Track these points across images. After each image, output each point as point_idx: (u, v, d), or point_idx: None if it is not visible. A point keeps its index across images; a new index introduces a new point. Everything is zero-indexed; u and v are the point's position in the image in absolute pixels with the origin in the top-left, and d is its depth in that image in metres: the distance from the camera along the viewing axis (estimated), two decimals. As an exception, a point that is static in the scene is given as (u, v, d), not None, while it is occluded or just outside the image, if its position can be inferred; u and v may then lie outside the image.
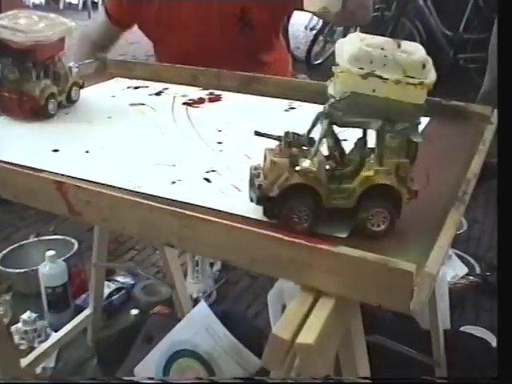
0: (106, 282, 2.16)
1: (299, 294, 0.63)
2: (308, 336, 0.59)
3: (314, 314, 0.61)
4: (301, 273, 0.62)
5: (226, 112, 1.18)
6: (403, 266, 0.57)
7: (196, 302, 1.87)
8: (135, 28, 1.89)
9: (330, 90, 0.70)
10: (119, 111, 1.18)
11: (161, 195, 0.79)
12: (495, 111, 1.06)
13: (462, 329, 1.75)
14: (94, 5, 8.60)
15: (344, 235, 0.68)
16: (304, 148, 0.70)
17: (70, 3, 8.40)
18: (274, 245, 0.62)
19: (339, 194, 0.68)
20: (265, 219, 0.72)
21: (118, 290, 2.13)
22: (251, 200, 0.72)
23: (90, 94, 1.28)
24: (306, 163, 0.66)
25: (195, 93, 1.29)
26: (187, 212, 0.67)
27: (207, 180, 0.85)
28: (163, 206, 0.69)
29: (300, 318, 0.61)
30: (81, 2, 8.44)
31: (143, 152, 0.97)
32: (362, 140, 0.72)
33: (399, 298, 0.58)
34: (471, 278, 2.06)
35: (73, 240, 2.27)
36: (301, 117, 1.15)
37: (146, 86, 1.35)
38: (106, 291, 2.10)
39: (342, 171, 0.71)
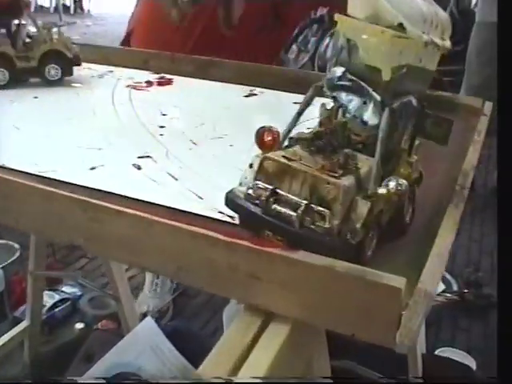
0: (50, 293, 1.97)
1: (241, 316, 0.45)
2: (250, 376, 0.41)
3: (260, 346, 0.44)
4: (244, 287, 0.45)
5: (175, 96, 1.01)
6: (387, 279, 0.40)
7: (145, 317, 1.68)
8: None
9: (364, 59, 0.48)
10: (48, 91, 1.00)
11: (71, 181, 0.60)
12: (487, 103, 0.91)
13: (438, 351, 1.60)
14: (66, 8, 8.41)
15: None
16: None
17: (41, 6, 8.18)
18: (207, 247, 0.45)
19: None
20: (204, 213, 0.54)
21: (62, 301, 1.93)
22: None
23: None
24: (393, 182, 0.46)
25: (144, 76, 1.12)
26: (94, 201, 0.49)
27: (137, 166, 0.67)
28: (65, 193, 0.51)
29: (241, 350, 0.43)
30: (52, 5, 8.24)
31: (65, 134, 0.79)
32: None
33: (381, 325, 0.40)
34: (448, 295, 1.92)
35: (16, 245, 2.06)
36: (262, 103, 0.98)
37: (89, 68, 1.16)
38: (49, 302, 1.90)
39: None
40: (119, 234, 0.49)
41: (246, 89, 1.05)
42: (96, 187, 0.60)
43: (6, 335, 1.61)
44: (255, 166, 0.49)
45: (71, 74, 1.05)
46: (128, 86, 1.05)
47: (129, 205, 0.51)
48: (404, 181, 0.46)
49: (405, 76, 0.47)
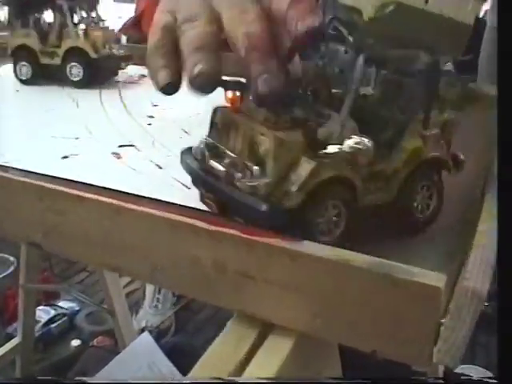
0: (46, 308, 1.87)
1: (231, 327, 0.35)
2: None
3: (256, 364, 0.34)
4: (234, 290, 0.35)
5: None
6: (422, 276, 0.30)
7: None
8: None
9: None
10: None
11: (35, 170, 0.51)
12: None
13: (458, 369, 1.48)
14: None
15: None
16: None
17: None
18: (186, 239, 0.35)
19: (374, 182, 0.40)
20: (188, 203, 0.45)
21: (58, 316, 1.84)
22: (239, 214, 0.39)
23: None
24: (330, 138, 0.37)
25: (138, 71, 1.03)
26: (50, 186, 0.40)
27: (116, 155, 0.58)
28: (15, 178, 0.42)
29: (232, 368, 0.34)
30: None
31: (41, 124, 0.70)
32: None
33: (412, 339, 0.30)
34: (466, 308, 1.80)
35: (11, 258, 1.97)
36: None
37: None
38: (45, 317, 1.81)
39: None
40: (81, 226, 0.39)
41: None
42: (63, 177, 0.50)
43: (-6, 353, 1.51)
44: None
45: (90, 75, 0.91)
46: (118, 80, 0.96)
47: (102, 193, 0.41)
48: (366, 140, 0.37)
49: (395, 17, 0.36)
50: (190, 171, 0.43)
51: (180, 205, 0.42)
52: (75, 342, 1.75)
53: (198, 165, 0.42)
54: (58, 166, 0.54)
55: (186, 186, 0.50)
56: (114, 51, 0.95)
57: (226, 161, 0.39)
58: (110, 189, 0.45)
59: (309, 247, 0.32)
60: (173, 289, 0.36)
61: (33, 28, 0.91)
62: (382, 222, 0.41)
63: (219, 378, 0.32)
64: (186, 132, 0.67)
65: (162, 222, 0.35)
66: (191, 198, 0.47)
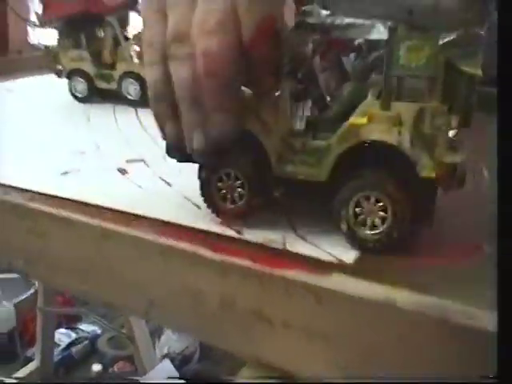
0: (67, 331, 1.83)
1: (243, 375, 0.29)
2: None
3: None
4: (246, 333, 0.28)
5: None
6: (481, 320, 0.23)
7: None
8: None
9: None
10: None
11: (28, 188, 0.45)
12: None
13: None
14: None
15: (349, 259, 0.33)
16: None
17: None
18: (187, 269, 0.28)
19: (304, 155, 0.36)
20: (198, 225, 0.38)
21: (79, 340, 1.78)
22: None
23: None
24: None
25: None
26: (32, 205, 0.33)
27: (122, 171, 0.52)
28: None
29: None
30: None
31: (46, 138, 0.64)
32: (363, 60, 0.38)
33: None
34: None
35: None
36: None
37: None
38: (66, 341, 1.76)
39: (322, 118, 0.38)
40: (66, 251, 0.33)
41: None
42: (59, 195, 0.44)
43: (12, 377, 1.46)
44: None
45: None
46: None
47: (91, 212, 0.35)
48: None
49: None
50: None
51: (185, 226, 0.35)
52: (96, 367, 1.69)
53: None
54: (54, 183, 0.48)
55: (197, 206, 0.43)
56: None
57: None
58: (104, 207, 0.39)
59: (338, 282, 0.26)
60: (173, 327, 0.29)
61: (85, 48, 0.85)
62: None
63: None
64: (202, 146, 0.60)
65: (156, 248, 0.29)
66: (202, 219, 0.41)
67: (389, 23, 0.34)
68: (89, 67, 0.84)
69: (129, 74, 0.82)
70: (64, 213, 0.33)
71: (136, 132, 0.67)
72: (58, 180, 0.49)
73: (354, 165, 0.35)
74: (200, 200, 0.43)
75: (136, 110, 0.78)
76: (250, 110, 0.35)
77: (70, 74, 0.85)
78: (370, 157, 0.34)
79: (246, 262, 0.27)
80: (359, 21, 0.35)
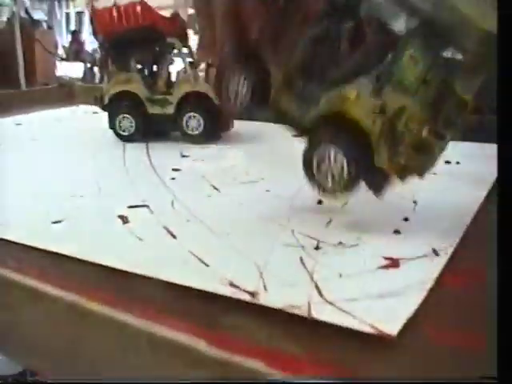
0: None
1: None
2: None
3: None
4: None
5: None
6: None
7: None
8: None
9: None
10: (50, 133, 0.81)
11: (17, 240, 0.39)
12: None
13: None
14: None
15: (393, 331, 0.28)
16: None
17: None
18: (180, 365, 0.21)
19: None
20: (205, 287, 0.32)
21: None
22: None
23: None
24: None
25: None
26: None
27: (123, 218, 0.45)
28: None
29: None
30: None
31: (45, 179, 0.59)
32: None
33: None
34: None
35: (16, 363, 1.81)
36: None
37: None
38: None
39: None
40: (39, 330, 0.26)
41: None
42: (46, 248, 0.38)
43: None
44: None
45: (216, 130, 0.76)
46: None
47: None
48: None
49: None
50: None
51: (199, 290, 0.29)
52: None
53: None
54: (42, 233, 0.42)
55: (205, 263, 0.37)
56: None
57: None
58: (95, 264, 0.32)
59: None
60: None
61: (135, 71, 0.76)
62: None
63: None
64: (215, 189, 0.54)
65: (141, 336, 0.22)
66: (209, 279, 0.34)
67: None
68: (139, 89, 0.74)
69: (191, 97, 0.73)
70: (33, 282, 0.26)
71: (143, 172, 0.61)
72: (47, 230, 0.43)
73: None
74: (209, 255, 0.37)
75: (147, 146, 0.72)
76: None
77: (113, 102, 0.75)
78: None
79: (257, 364, 0.20)
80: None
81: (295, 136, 0.46)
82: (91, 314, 0.24)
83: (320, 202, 0.49)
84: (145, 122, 0.75)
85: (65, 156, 0.70)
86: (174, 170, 0.61)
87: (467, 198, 0.51)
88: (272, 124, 0.52)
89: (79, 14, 8.57)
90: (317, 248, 0.39)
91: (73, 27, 8.11)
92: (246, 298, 0.32)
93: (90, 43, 5.14)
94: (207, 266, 0.36)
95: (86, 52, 5.21)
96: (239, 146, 0.74)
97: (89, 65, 4.51)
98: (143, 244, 0.40)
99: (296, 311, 0.30)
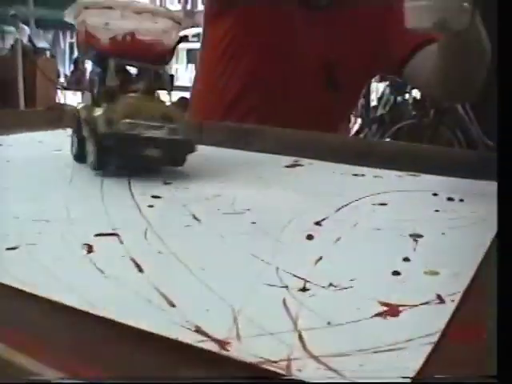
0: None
1: None
2: None
3: None
4: None
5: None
6: None
7: None
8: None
9: None
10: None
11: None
12: None
13: None
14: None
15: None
16: None
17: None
18: None
19: None
20: (167, 332, 0.26)
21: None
22: None
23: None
24: None
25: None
26: None
27: (87, 248, 0.40)
28: None
29: None
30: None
31: (9, 202, 0.53)
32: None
33: None
34: None
35: None
36: (306, 174, 0.72)
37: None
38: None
39: None
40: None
41: (290, 159, 0.78)
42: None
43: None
44: None
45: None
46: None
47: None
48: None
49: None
50: None
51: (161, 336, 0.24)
52: None
53: None
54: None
55: (171, 303, 0.31)
56: None
57: None
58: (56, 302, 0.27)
59: None
60: None
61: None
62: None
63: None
64: (196, 219, 0.49)
65: None
66: (173, 322, 0.29)
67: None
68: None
69: None
70: None
71: (119, 197, 0.56)
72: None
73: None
74: (176, 293, 0.32)
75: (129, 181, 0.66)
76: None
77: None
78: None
79: None
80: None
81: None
82: None
83: (310, 237, 0.44)
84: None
85: (38, 179, 0.64)
86: (153, 197, 0.56)
87: (474, 239, 0.46)
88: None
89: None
90: (303, 289, 0.34)
91: (75, 56, 8.16)
92: (214, 348, 0.26)
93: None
94: (173, 306, 0.31)
95: (86, 80, 5.21)
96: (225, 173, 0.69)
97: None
98: (103, 278, 0.35)
99: (272, 367, 0.25)
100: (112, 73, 0.64)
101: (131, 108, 0.61)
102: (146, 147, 0.61)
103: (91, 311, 0.30)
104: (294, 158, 0.78)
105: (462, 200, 0.58)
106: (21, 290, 0.32)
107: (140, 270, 0.36)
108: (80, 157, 0.68)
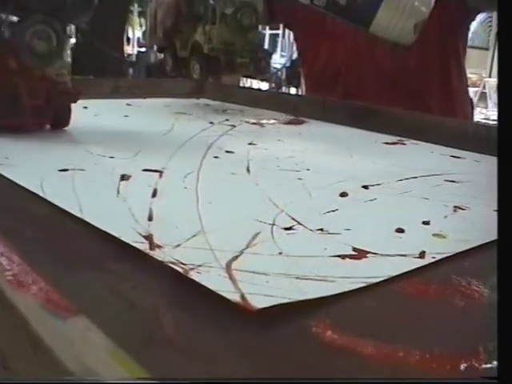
0: None
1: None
2: None
3: None
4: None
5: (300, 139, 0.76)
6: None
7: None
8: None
9: None
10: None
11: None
12: None
13: None
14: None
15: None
16: None
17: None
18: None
19: None
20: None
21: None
22: None
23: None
24: None
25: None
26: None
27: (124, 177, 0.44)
28: None
29: None
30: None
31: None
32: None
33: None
34: None
35: None
36: (402, 151, 0.70)
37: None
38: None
39: None
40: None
41: (394, 138, 0.77)
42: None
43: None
44: None
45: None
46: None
47: None
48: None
49: None
50: None
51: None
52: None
53: None
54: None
55: (151, 219, 0.34)
56: None
57: None
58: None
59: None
60: None
61: None
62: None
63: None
64: (248, 170, 0.51)
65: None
66: (133, 230, 0.31)
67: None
68: None
69: None
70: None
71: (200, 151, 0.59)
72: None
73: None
74: (165, 216, 0.34)
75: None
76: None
77: None
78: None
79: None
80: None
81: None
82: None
83: (343, 195, 0.44)
84: None
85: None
86: (227, 152, 0.59)
87: None
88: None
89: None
90: (288, 228, 0.35)
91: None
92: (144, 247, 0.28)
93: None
94: (151, 220, 0.33)
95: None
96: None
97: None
98: (115, 196, 0.39)
99: (179, 267, 0.26)
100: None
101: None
102: None
103: (77, 214, 0.33)
104: (397, 138, 0.77)
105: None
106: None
107: (154, 195, 0.39)
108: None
